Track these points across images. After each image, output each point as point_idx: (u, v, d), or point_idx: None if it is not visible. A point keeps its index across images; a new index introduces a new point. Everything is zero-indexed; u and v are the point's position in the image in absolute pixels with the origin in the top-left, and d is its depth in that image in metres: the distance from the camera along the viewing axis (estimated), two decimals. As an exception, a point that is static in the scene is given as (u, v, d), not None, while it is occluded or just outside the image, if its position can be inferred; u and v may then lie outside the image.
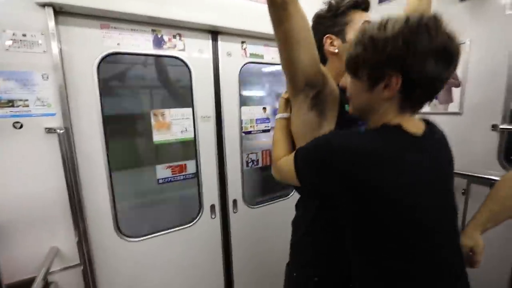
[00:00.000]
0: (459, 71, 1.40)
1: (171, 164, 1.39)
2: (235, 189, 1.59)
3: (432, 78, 0.58)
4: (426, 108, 1.50)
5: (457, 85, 1.41)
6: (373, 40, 0.58)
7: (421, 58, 0.55)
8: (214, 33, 1.40)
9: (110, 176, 1.21)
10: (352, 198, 0.61)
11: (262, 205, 1.71)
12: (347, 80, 0.70)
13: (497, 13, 1.25)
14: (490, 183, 1.31)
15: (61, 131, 1.02)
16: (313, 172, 0.66)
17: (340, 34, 0.82)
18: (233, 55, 1.47)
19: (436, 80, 0.59)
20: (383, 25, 0.58)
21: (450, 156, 0.72)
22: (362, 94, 0.65)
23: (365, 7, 0.85)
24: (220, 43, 1.43)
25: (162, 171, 1.37)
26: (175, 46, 1.31)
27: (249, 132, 1.61)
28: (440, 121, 1.55)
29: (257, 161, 1.68)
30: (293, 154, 0.71)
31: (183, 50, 1.33)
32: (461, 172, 1.42)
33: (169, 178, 1.39)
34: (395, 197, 0.58)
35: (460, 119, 1.43)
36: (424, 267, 0.63)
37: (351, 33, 0.80)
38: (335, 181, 0.62)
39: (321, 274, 0.83)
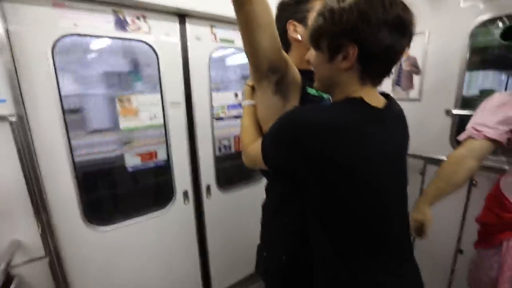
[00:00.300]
0: (419, 60, 1.48)
1: (140, 151, 1.36)
2: (208, 175, 1.60)
3: (387, 48, 0.59)
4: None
5: (417, 72, 1.50)
6: (331, 12, 0.60)
7: (375, 28, 0.57)
8: (182, 16, 1.35)
9: (74, 165, 1.17)
10: (315, 172, 0.63)
11: (236, 190, 1.75)
12: (311, 53, 0.71)
13: (453, 6, 1.33)
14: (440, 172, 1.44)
15: (14, 119, 0.96)
16: (278, 152, 0.68)
17: (303, 20, 0.83)
18: (202, 40, 1.44)
19: (391, 50, 0.61)
20: None
21: (407, 132, 0.77)
22: (324, 65, 0.68)
23: None
24: (188, 26, 1.38)
25: (131, 158, 1.34)
26: (139, 28, 1.25)
27: (221, 119, 1.61)
28: (402, 107, 1.65)
29: (230, 146, 1.70)
30: (260, 139, 0.73)
31: (149, 33, 1.27)
32: (418, 154, 1.54)
33: (139, 166, 1.37)
34: (357, 168, 0.61)
35: (419, 105, 1.53)
36: (377, 242, 0.68)
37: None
38: (299, 157, 0.63)
39: (289, 254, 0.88)
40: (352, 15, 0.57)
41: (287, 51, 0.84)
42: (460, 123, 1.41)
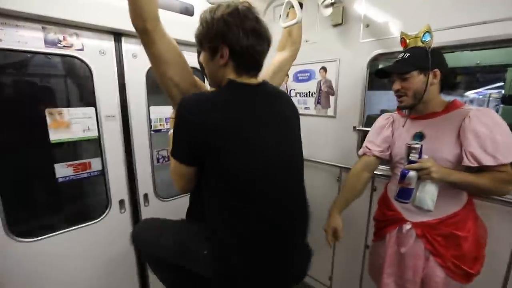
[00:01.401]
0: (334, 82, 1.74)
1: (72, 163, 1.40)
2: (146, 184, 1.68)
3: (248, 48, 0.79)
4: (312, 111, 1.81)
5: (332, 94, 1.75)
6: (207, 21, 0.80)
7: (236, 34, 0.77)
8: (117, 34, 1.44)
9: (-3, 177, 1.18)
10: (202, 140, 0.76)
11: (175, 198, 1.84)
12: (201, 55, 0.89)
13: (355, 40, 1.60)
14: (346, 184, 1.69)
15: None
16: (180, 142, 0.81)
17: None
18: (139, 57, 1.54)
19: (251, 49, 0.80)
20: (213, 10, 0.80)
21: (291, 106, 0.98)
22: (209, 63, 0.86)
23: None
24: (124, 44, 1.47)
25: (62, 169, 1.37)
26: (72, 45, 1.31)
27: (159, 131, 1.70)
28: (322, 122, 1.89)
29: (168, 157, 1.78)
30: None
31: (82, 50, 1.34)
32: (335, 164, 1.79)
33: (71, 177, 1.40)
34: (231, 131, 0.77)
35: (334, 121, 1.78)
36: (264, 208, 0.83)
37: None
38: (189, 131, 0.77)
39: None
40: (221, 24, 0.77)
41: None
42: (364, 138, 1.69)
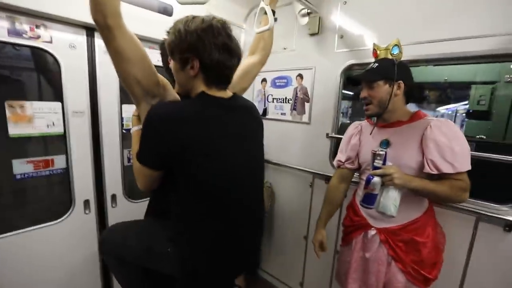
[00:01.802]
0: (309, 89, 1.78)
1: (33, 159, 1.33)
2: (114, 184, 1.62)
3: (218, 63, 0.82)
4: (287, 117, 1.83)
5: (308, 100, 1.79)
6: (180, 32, 0.80)
7: (208, 48, 0.80)
8: (90, 29, 1.40)
9: None
10: (170, 153, 0.79)
11: (146, 199, 1.78)
12: (171, 62, 0.91)
13: (330, 50, 1.66)
14: (325, 177, 1.72)
15: None
16: (147, 149, 0.83)
17: None
18: (112, 53, 1.49)
19: (222, 64, 0.83)
20: (188, 21, 0.81)
21: (258, 119, 1.04)
22: (179, 72, 0.88)
23: None
24: (97, 39, 1.43)
25: (21, 165, 1.30)
26: (38, 37, 1.26)
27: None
28: (297, 128, 1.92)
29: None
30: None
31: (50, 42, 1.29)
32: (309, 170, 1.81)
33: (31, 174, 1.33)
34: (199, 145, 0.80)
35: (309, 128, 1.81)
36: (228, 210, 0.89)
37: None
38: (158, 144, 0.80)
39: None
40: (193, 37, 0.79)
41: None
42: (337, 145, 1.73)
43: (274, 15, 1.14)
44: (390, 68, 1.10)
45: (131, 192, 1.70)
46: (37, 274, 1.39)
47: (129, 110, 1.63)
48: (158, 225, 0.99)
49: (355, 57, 1.56)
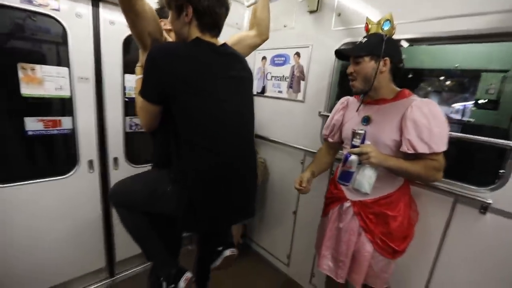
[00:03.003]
0: (305, 68, 1.79)
1: (43, 118, 1.48)
2: (117, 148, 1.76)
3: (208, 8, 0.96)
4: (284, 95, 1.87)
5: (303, 79, 1.81)
6: None
7: None
8: (95, 0, 1.49)
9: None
10: (169, 84, 0.91)
11: (146, 165, 1.91)
12: (169, 16, 1.04)
13: (327, 28, 1.65)
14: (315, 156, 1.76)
15: None
16: (149, 81, 0.95)
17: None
18: (116, 24, 1.59)
19: (211, 9, 0.96)
20: None
21: (248, 70, 1.14)
22: (175, 21, 1.01)
23: None
24: (102, 10, 1.52)
25: (32, 123, 1.44)
26: (48, 4, 1.36)
27: (133, 99, 1.76)
28: (292, 106, 1.96)
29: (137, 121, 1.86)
30: None
31: (58, 10, 1.39)
32: (300, 147, 1.86)
33: (41, 131, 1.48)
34: (191, 80, 0.92)
35: (303, 106, 1.85)
36: (221, 151, 1.00)
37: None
38: (158, 74, 0.91)
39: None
40: None
41: None
42: (328, 123, 1.76)
43: None
44: (378, 44, 1.09)
45: (131, 157, 1.83)
46: (45, 222, 1.57)
47: (132, 79, 1.73)
48: (164, 171, 1.12)
49: (351, 35, 1.55)
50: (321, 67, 1.71)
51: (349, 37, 1.57)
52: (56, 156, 1.65)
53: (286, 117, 1.95)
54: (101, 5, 1.52)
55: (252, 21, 1.35)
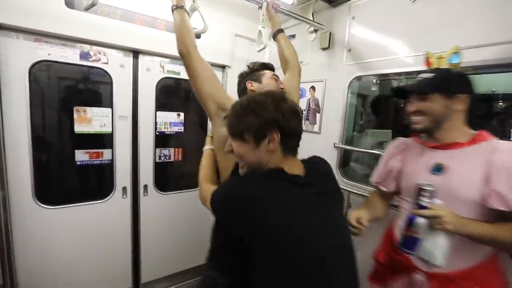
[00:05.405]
0: (320, 101, 1.85)
1: (89, 151, 1.75)
2: (147, 177, 1.97)
3: (294, 129, 0.81)
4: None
5: (319, 111, 1.87)
6: (253, 111, 0.78)
7: (287, 117, 0.78)
8: (136, 52, 1.80)
9: (33, 155, 1.55)
10: (247, 234, 0.73)
11: (172, 192, 2.09)
12: (232, 144, 0.84)
13: (339, 64, 1.72)
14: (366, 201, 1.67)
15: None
16: (224, 216, 0.81)
17: (258, 80, 1.18)
18: (151, 70, 1.87)
19: (296, 129, 0.82)
20: (249, 99, 0.83)
21: (335, 183, 0.92)
22: (251, 152, 0.80)
23: (271, 69, 1.24)
24: (140, 60, 1.82)
25: (81, 155, 1.72)
26: (99, 59, 1.69)
27: (163, 133, 1.99)
28: (308, 138, 2.02)
29: (169, 156, 2.07)
30: (212, 188, 0.87)
31: (107, 63, 1.71)
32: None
33: (87, 162, 1.75)
34: (280, 231, 0.69)
35: (319, 137, 1.88)
36: None
37: (264, 80, 1.17)
38: (237, 225, 0.75)
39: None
40: (271, 109, 0.77)
41: None
42: (345, 155, 1.75)
43: (281, 32, 1.36)
44: (450, 79, 0.93)
45: (159, 184, 2.03)
46: (83, 241, 1.78)
47: (162, 116, 1.98)
48: None
49: (362, 69, 1.60)
50: (334, 99, 1.76)
51: (360, 71, 1.61)
52: (97, 183, 1.91)
53: (302, 148, 1.98)
54: (140, 56, 1.82)
55: (283, 65, 1.40)
